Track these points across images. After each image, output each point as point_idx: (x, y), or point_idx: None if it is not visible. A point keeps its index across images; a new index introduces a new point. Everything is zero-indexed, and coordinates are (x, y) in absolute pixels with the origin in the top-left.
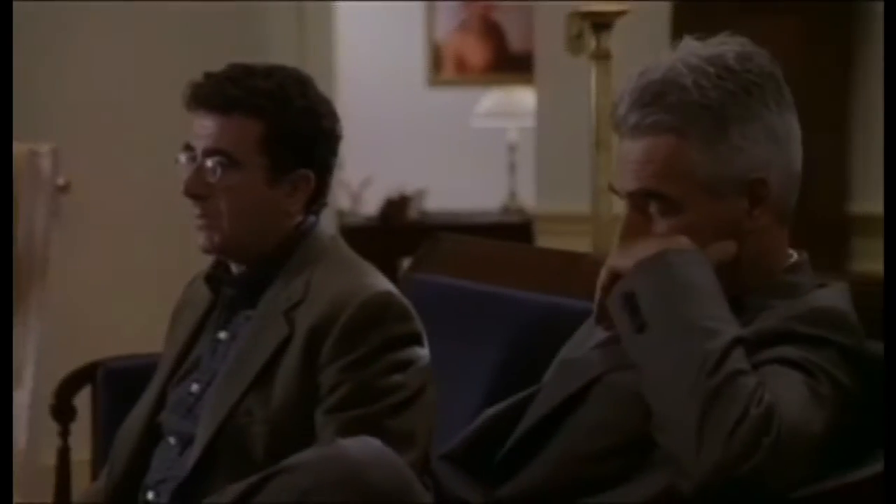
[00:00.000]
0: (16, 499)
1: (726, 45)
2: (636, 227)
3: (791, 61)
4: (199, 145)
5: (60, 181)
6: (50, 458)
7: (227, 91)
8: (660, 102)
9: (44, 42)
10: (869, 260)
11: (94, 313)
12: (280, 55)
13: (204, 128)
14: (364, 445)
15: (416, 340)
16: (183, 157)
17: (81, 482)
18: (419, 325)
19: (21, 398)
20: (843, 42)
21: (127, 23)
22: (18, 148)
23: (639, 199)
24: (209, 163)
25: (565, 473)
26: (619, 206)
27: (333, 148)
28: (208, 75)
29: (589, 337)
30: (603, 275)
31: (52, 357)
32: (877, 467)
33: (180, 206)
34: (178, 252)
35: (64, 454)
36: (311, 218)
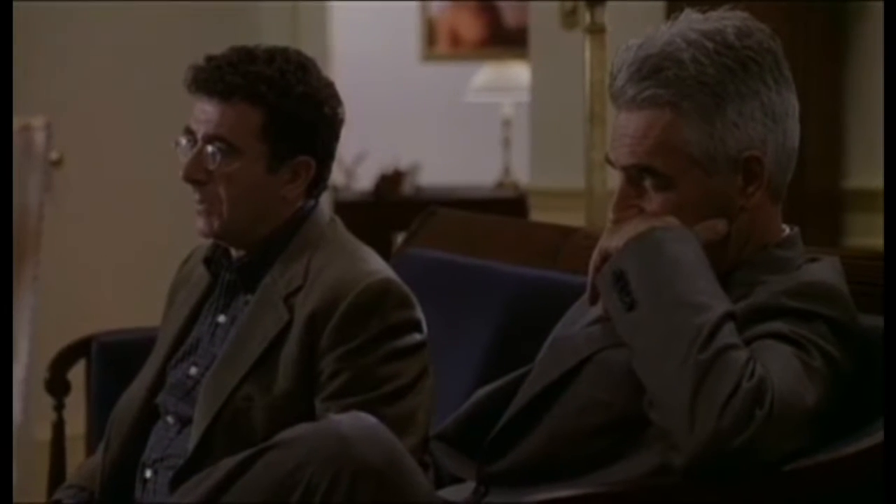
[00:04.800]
0: (12, 472)
1: (727, 20)
2: (629, 200)
3: (784, 35)
4: (199, 130)
5: (54, 155)
6: (45, 433)
7: (228, 77)
8: (657, 77)
9: (38, 17)
10: (864, 234)
11: (87, 288)
12: (274, 31)
13: (204, 113)
14: (356, 421)
15: (415, 327)
16: (183, 141)
17: (76, 456)
18: (418, 311)
19: (15, 372)
20: (837, 16)
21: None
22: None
23: (633, 173)
24: (209, 149)
25: (558, 450)
26: (613, 181)
27: (336, 133)
28: (209, 59)
29: (582, 315)
30: (595, 255)
31: (47, 331)
32: (869, 441)
33: (173, 182)
34: (171, 226)
35: (58, 428)
36: (311, 202)
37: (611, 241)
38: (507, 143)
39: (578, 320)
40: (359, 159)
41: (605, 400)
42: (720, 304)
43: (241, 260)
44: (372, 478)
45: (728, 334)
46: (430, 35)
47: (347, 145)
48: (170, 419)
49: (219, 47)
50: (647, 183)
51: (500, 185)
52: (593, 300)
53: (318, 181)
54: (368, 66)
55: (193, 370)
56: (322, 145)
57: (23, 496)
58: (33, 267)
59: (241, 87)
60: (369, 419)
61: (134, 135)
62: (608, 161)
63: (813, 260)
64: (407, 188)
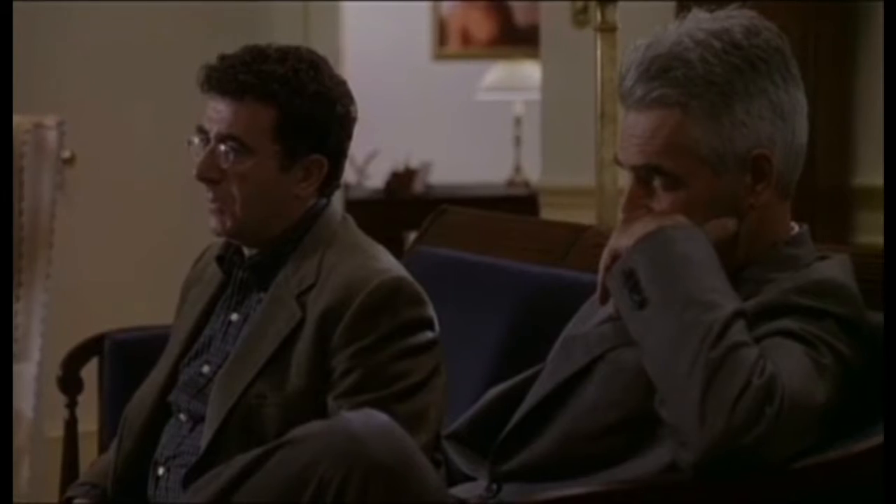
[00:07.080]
0: (25, 470)
1: (734, 19)
2: (639, 201)
3: (793, 33)
4: (212, 129)
5: (66, 154)
6: (57, 430)
7: (240, 76)
8: (665, 76)
9: (50, 15)
10: (873, 232)
11: (100, 286)
12: (286, 30)
13: (217, 112)
14: (368, 419)
15: (427, 325)
16: (196, 140)
17: (89, 453)
18: (430, 309)
19: (28, 370)
20: (846, 14)
21: None
22: (24, 120)
23: (642, 173)
24: (222, 148)
25: (570, 449)
26: (624, 180)
27: (348, 132)
28: (222, 58)
29: (593, 313)
30: (605, 255)
31: (59, 329)
32: (878, 438)
33: (186, 181)
34: (183, 225)
35: (71, 426)
36: (323, 200)
37: (620, 240)
38: (517, 141)
39: (590, 319)
40: (370, 157)
41: (617, 398)
42: (730, 302)
43: (254, 258)
44: (383, 476)
45: (738, 332)
46: (442, 34)
47: (359, 144)
48: (182, 417)
49: (231, 47)
50: (657, 183)
51: (511, 183)
52: (604, 299)
53: (331, 180)
54: (380, 64)
55: (206, 368)
56: (334, 144)
57: (35, 493)
58: (46, 265)
59: (253, 87)
60: (381, 417)
61: (146, 133)
62: (617, 161)
63: (822, 258)
64: (418, 186)
